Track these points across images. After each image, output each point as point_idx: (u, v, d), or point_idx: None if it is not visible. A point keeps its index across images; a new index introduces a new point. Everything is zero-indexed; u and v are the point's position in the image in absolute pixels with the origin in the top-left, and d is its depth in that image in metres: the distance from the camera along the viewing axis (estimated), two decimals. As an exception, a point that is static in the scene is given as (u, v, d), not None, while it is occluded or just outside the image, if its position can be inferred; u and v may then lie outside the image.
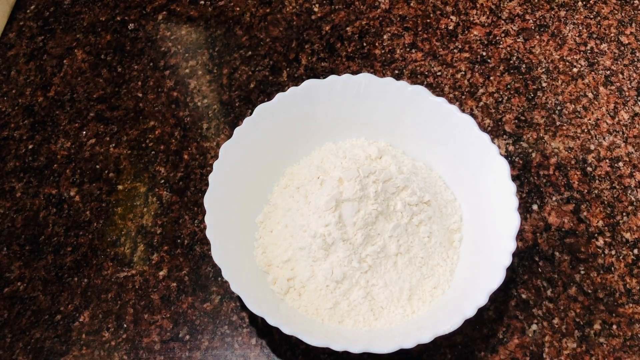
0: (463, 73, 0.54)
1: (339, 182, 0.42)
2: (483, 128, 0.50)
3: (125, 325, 0.44)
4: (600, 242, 0.45)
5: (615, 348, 0.41)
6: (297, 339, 0.36)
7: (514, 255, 0.38)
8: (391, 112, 0.47)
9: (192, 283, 0.45)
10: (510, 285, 0.43)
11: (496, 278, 0.37)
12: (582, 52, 0.55)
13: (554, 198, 0.47)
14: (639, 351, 0.40)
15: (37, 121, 0.55)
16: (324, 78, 0.46)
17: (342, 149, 0.47)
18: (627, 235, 0.45)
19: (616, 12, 0.57)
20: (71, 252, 0.48)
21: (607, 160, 0.48)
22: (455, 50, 0.56)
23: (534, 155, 0.49)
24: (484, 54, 0.55)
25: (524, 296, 0.43)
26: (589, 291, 0.43)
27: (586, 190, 0.47)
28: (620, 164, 0.48)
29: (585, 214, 0.46)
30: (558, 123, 0.50)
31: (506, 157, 0.42)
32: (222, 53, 0.57)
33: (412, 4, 0.59)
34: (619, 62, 0.54)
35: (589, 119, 0.50)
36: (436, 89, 0.53)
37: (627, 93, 0.52)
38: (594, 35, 0.56)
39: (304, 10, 0.60)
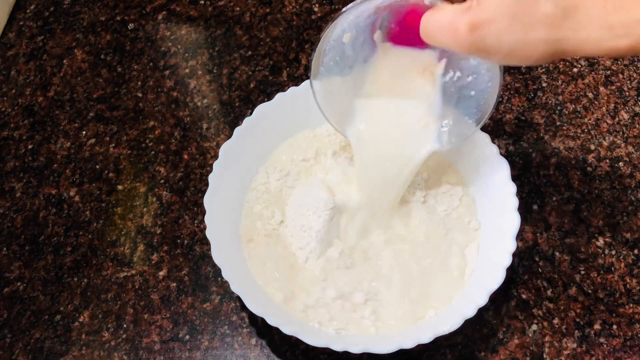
0: (463, 73, 0.54)
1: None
2: (483, 128, 0.50)
3: (125, 326, 0.44)
4: (601, 242, 0.45)
5: (615, 348, 0.41)
6: (297, 339, 0.36)
7: (514, 255, 0.38)
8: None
9: (192, 283, 0.45)
10: (510, 285, 0.43)
11: (496, 278, 0.37)
12: (582, 52, 0.55)
13: (554, 198, 0.47)
14: (639, 351, 0.40)
15: (36, 121, 0.55)
16: (324, 78, 0.46)
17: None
18: (627, 235, 0.45)
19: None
20: (71, 252, 0.48)
21: (607, 160, 0.48)
22: (455, 50, 0.55)
23: (534, 155, 0.49)
24: (484, 53, 0.55)
25: (524, 296, 0.43)
26: (589, 291, 0.43)
27: (586, 190, 0.47)
28: (621, 164, 0.48)
29: (585, 214, 0.46)
30: (558, 123, 0.50)
31: (506, 157, 0.42)
32: (222, 53, 0.57)
33: (412, 4, 0.59)
34: (619, 62, 0.54)
35: (589, 119, 0.50)
36: (436, 89, 0.53)
37: (627, 93, 0.52)
38: (594, 35, 0.56)
39: (304, 10, 0.60)
